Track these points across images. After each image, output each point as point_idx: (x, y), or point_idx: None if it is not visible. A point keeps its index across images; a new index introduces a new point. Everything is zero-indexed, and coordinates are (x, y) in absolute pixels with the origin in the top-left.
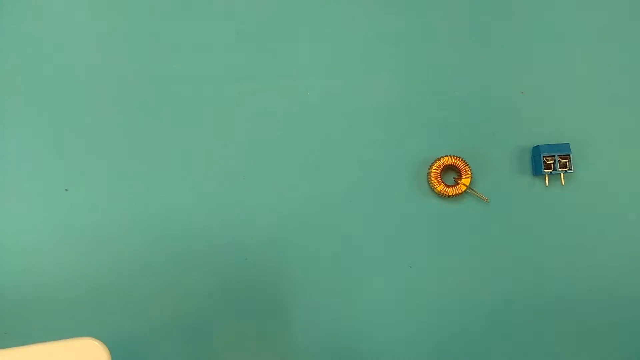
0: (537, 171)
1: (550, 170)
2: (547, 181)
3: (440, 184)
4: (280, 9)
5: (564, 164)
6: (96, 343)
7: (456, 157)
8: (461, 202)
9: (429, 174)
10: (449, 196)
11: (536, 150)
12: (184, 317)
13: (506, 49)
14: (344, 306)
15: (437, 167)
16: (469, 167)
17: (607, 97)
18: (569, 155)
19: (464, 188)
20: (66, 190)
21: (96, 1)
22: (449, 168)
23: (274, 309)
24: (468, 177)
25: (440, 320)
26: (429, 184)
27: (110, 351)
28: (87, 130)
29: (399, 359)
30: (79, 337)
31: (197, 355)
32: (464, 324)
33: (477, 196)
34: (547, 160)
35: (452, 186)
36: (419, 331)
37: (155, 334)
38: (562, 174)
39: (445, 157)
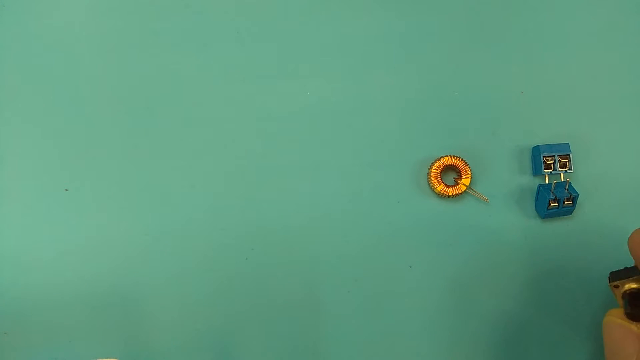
0: (537, 171)
1: (550, 170)
2: (547, 181)
3: (440, 184)
4: (280, 9)
5: (563, 164)
6: None
7: (456, 157)
8: (461, 202)
9: (428, 174)
10: (449, 196)
11: (536, 150)
12: (185, 317)
13: (506, 48)
14: (343, 306)
15: (437, 167)
16: (469, 167)
17: (607, 97)
18: (569, 155)
19: (464, 188)
20: (66, 190)
21: (96, 1)
22: (449, 168)
23: (274, 308)
24: (468, 177)
25: (441, 321)
26: (429, 184)
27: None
28: (88, 130)
29: (398, 358)
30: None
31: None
32: (464, 325)
33: (477, 196)
34: (547, 160)
35: (452, 186)
36: (418, 331)
37: (157, 333)
38: (562, 174)
39: (445, 157)
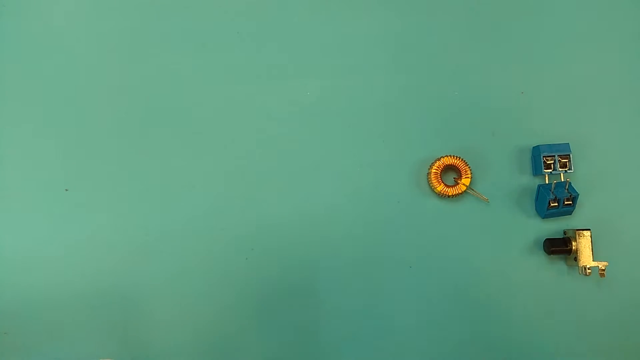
0: (537, 171)
1: (550, 170)
2: (547, 181)
3: (440, 184)
4: (280, 9)
5: (564, 164)
6: None
7: (456, 157)
8: (461, 202)
9: (428, 174)
10: (449, 196)
11: (536, 150)
12: (185, 317)
13: (506, 49)
14: (342, 306)
15: (437, 167)
16: (469, 167)
17: (607, 97)
18: (569, 155)
19: (464, 188)
20: (66, 190)
21: (96, 1)
22: (449, 168)
23: (274, 308)
24: (468, 177)
25: (440, 321)
26: (429, 184)
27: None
28: (88, 130)
29: (398, 358)
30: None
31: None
32: (464, 324)
33: (477, 196)
34: (547, 160)
35: (452, 186)
36: (419, 331)
37: (157, 333)
38: (562, 174)
39: (445, 157)
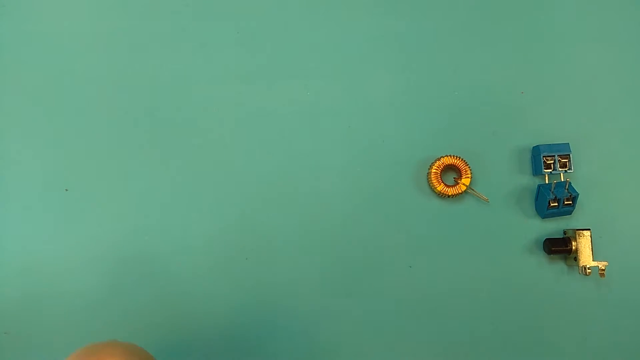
0: (537, 171)
1: (550, 170)
2: (547, 181)
3: (440, 184)
4: (280, 9)
5: (563, 164)
6: None
7: (456, 157)
8: (461, 202)
9: (429, 174)
10: (449, 196)
11: (536, 150)
12: (185, 318)
13: (506, 49)
14: (343, 306)
15: (437, 167)
16: (469, 167)
17: (607, 97)
18: (569, 155)
19: (464, 188)
20: (66, 190)
21: (96, 1)
22: (449, 168)
23: (274, 308)
24: (468, 177)
25: (440, 321)
26: (429, 184)
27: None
28: (87, 130)
29: (398, 358)
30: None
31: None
32: (464, 325)
33: (477, 196)
34: (547, 160)
35: (452, 186)
36: (419, 331)
37: (158, 334)
38: (562, 174)
39: (445, 157)
